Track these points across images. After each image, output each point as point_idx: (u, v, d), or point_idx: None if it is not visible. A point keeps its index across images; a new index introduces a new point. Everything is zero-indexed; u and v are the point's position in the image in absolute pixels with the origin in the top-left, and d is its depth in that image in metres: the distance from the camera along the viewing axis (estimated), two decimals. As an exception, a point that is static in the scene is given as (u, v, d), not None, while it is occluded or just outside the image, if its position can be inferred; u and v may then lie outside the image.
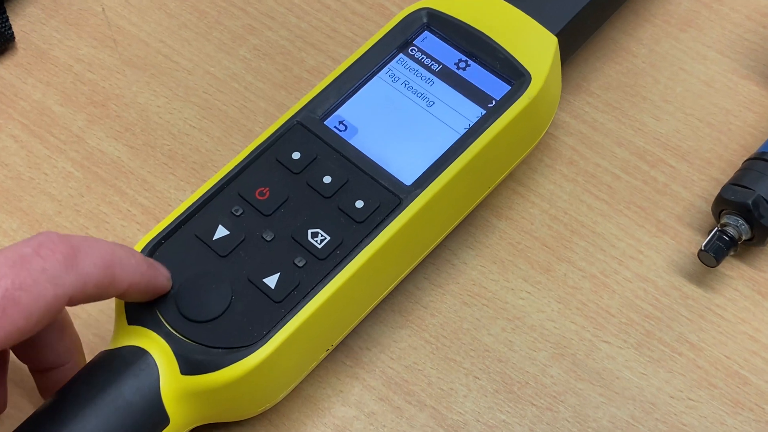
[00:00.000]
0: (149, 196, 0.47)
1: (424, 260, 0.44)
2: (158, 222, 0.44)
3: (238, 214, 0.41)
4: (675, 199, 0.47)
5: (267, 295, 0.39)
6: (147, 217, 0.47)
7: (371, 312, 0.42)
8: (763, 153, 0.44)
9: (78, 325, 0.44)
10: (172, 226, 0.40)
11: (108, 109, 0.50)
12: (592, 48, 0.51)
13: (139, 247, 0.40)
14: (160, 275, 0.38)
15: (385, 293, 0.42)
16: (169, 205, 0.47)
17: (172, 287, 0.39)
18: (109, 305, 0.44)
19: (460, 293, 0.45)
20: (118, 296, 0.36)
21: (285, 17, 0.53)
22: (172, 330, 0.38)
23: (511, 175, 0.47)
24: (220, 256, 0.40)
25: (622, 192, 0.47)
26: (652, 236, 0.46)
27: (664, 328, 0.43)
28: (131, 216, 0.47)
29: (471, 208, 0.44)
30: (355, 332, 0.43)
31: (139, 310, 0.38)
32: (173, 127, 0.49)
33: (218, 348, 0.37)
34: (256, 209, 0.41)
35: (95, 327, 0.44)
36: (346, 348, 0.43)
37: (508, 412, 0.42)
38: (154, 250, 0.40)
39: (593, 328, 0.43)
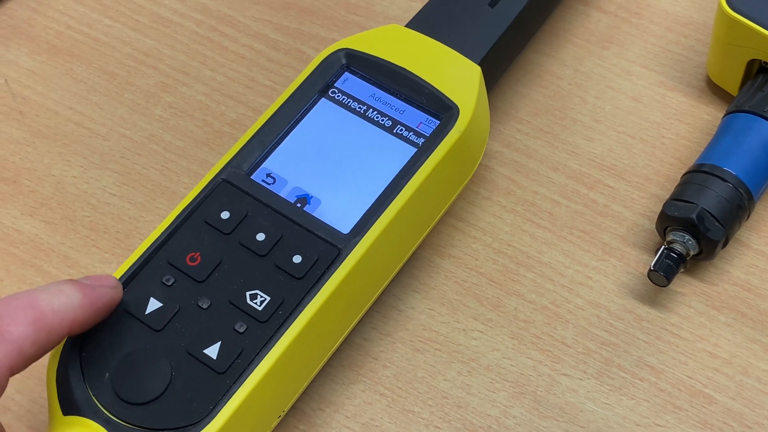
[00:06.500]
0: (73, 273, 0.45)
1: (369, 309, 0.42)
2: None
3: (169, 283, 0.38)
4: (617, 219, 0.46)
5: (209, 367, 0.36)
6: (73, 295, 0.44)
7: (320, 370, 0.40)
8: (701, 164, 0.43)
9: (10, 418, 0.41)
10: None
11: (20, 185, 0.47)
12: (517, 74, 0.50)
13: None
14: (102, 294, 0.36)
15: (333, 349, 0.40)
16: (96, 280, 0.44)
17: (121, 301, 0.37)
18: (42, 395, 0.41)
19: (410, 340, 0.43)
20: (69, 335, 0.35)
21: (199, 71, 0.51)
22: (111, 416, 0.35)
23: (449, 211, 0.46)
24: (154, 330, 0.37)
25: (563, 218, 0.46)
26: (599, 260, 0.44)
27: (622, 354, 0.42)
28: (56, 295, 0.44)
29: (412, 250, 0.42)
30: (306, 393, 0.41)
31: (74, 398, 0.36)
32: (92, 197, 0.47)
33: (163, 430, 0.35)
34: (189, 276, 0.38)
35: (28, 419, 0.41)
36: (298, 412, 0.41)
37: (473, 459, 0.40)
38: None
39: (551, 361, 0.42)
